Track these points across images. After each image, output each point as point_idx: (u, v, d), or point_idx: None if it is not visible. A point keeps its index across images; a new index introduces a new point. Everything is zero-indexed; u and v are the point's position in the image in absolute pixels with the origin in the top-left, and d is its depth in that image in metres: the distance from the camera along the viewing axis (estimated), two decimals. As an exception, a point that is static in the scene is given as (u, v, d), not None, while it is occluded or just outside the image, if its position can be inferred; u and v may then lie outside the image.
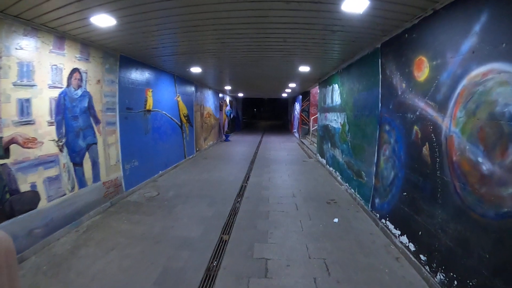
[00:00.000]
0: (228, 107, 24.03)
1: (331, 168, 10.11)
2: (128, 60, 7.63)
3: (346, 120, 8.27)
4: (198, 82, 14.01)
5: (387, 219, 5.35)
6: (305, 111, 20.38)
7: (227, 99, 23.81)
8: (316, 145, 14.54)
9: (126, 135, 7.65)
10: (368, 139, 6.46)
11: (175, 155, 11.27)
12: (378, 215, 5.81)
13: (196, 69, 9.68)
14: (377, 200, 5.92)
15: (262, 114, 59.61)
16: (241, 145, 18.20)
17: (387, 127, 5.49)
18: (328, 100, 10.62)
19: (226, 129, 22.58)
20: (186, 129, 12.60)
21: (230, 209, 6.65)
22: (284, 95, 24.09)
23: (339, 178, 8.96)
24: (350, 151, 7.86)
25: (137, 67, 8.20)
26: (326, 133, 10.94)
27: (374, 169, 6.03)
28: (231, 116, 25.86)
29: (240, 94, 24.49)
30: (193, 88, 13.51)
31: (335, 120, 9.48)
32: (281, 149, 16.53)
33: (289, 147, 17.26)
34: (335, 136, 9.53)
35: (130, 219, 6.10)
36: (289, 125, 31.30)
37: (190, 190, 8.21)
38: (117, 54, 7.11)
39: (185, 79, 12.19)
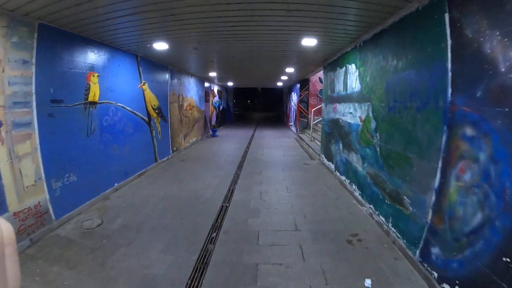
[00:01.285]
0: (216, 98, 21.51)
1: (343, 177, 7.74)
2: (54, 32, 5.25)
3: (371, 114, 5.83)
4: (175, 67, 11.51)
5: (457, 286, 3.09)
6: (303, 101, 17.96)
7: (215, 88, 21.31)
8: (319, 143, 12.18)
9: (52, 140, 5.29)
10: (419, 147, 4.01)
11: (140, 160, 8.83)
12: (436, 274, 3.51)
13: (161, 45, 7.21)
14: (435, 250, 3.57)
15: (256, 105, 58.12)
16: (230, 142, 15.80)
17: (470, 131, 3.06)
18: (339, 87, 8.19)
19: (214, 122, 20.07)
20: (158, 125, 10.14)
21: (196, 260, 4.19)
22: (279, 84, 21.61)
23: (357, 193, 6.58)
24: (378, 159, 5.44)
25: (73, 42, 5.79)
26: (335, 130, 8.53)
27: (434, 198, 3.62)
28: (220, 108, 23.36)
29: (230, 83, 21.95)
30: (167, 75, 11.03)
31: (351, 114, 7.07)
32: (277, 146, 14.16)
33: (286, 144, 14.89)
34: (350, 135, 7.12)
35: (45, 274, 3.85)
36: (285, 117, 28.81)
37: (146, 216, 5.76)
38: (33, 22, 4.73)
39: (154, 61, 9.71)
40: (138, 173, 8.69)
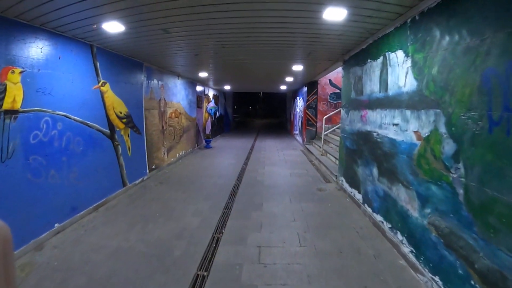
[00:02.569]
0: (211, 104, 19.23)
1: (378, 217, 5.43)
2: None
3: (444, 130, 3.47)
4: (153, 64, 9.27)
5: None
6: (311, 107, 15.72)
7: (211, 93, 19.04)
8: (334, 159, 10.02)
9: None
10: None
11: (96, 187, 6.53)
12: None
13: (115, 27, 4.99)
14: None
15: (257, 112, 57.08)
16: (225, 155, 13.46)
17: None
18: (371, 87, 5.88)
19: (208, 132, 17.78)
20: (126, 139, 7.86)
21: None
22: (283, 87, 19.30)
23: (406, 249, 4.26)
24: (461, 208, 3.10)
25: None
26: (365, 147, 6.25)
27: None
28: (217, 114, 21.11)
29: (227, 87, 19.62)
30: (142, 74, 8.80)
31: (396, 126, 4.75)
32: (281, 162, 11.83)
33: (292, 159, 12.55)
34: (395, 159, 4.80)
35: None
36: (288, 125, 26.58)
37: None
38: None
39: (121, 55, 7.48)
40: (95, 205, 6.41)
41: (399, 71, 4.66)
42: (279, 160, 12.13)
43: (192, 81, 14.20)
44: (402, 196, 4.53)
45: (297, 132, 20.01)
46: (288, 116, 27.87)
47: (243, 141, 19.04)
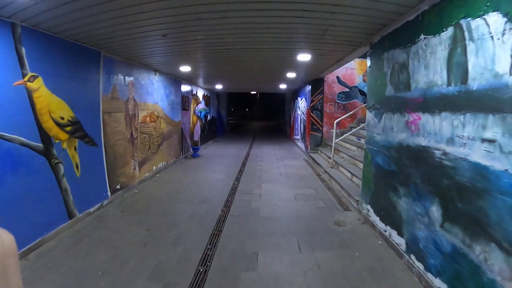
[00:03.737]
0: (201, 105, 17.24)
1: (439, 282, 3.49)
2: None
3: None
4: (116, 53, 7.28)
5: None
6: (316, 109, 13.77)
7: (200, 93, 17.08)
8: (352, 176, 8.19)
9: None
10: None
11: (26, 225, 4.63)
12: None
13: None
14: None
15: (254, 114, 55.99)
16: (214, 167, 11.44)
17: None
18: (429, 77, 3.86)
19: (196, 138, 15.84)
20: (72, 154, 5.88)
21: None
22: (283, 86, 17.18)
23: None
24: None
25: None
26: (415, 172, 4.33)
27: None
28: (208, 117, 19.17)
29: (219, 86, 17.52)
30: (99, 66, 6.86)
31: (490, 144, 2.76)
32: (282, 176, 9.86)
33: (295, 171, 10.60)
34: (483, 200, 2.82)
35: None
36: (288, 128, 24.66)
37: None
38: None
39: (64, 38, 5.52)
40: (23, 249, 4.53)
41: (496, 47, 2.73)
42: (279, 174, 10.18)
43: (176, 79, 12.25)
44: (496, 265, 2.64)
45: (298, 137, 18.06)
46: (287, 119, 25.90)
47: (238, 148, 17.09)
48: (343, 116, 11.35)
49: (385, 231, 5.27)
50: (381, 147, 5.53)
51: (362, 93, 13.82)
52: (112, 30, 5.33)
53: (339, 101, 13.74)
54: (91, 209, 6.55)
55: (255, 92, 49.61)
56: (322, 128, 13.71)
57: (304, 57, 7.64)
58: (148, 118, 9.54)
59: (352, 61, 12.57)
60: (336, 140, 10.30)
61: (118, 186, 7.71)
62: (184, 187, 8.59)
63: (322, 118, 13.69)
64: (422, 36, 4.08)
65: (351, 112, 11.63)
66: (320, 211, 6.62)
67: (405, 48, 4.59)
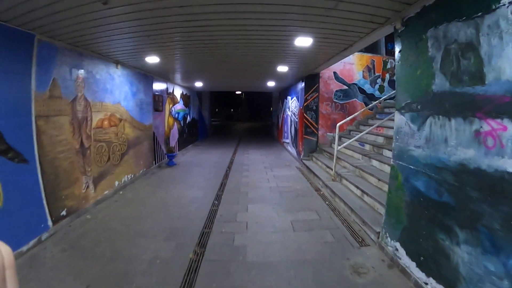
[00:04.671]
0: (179, 105, 15.43)
1: None
2: None
3: None
4: (61, 37, 5.53)
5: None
6: (310, 109, 12.20)
7: (177, 92, 15.27)
8: (362, 193, 6.61)
9: None
10: None
11: None
12: None
13: None
14: None
15: (239, 114, 55.73)
16: (190, 181, 9.63)
17: None
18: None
19: (173, 143, 14.05)
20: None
21: None
22: (271, 84, 15.39)
23: None
24: None
25: None
26: (491, 211, 2.80)
27: None
28: (187, 119, 17.40)
29: (198, 84, 15.58)
30: (31, 54, 5.11)
31: None
32: (273, 194, 8.13)
33: (288, 187, 8.84)
34: None
35: None
36: (275, 130, 23.04)
37: None
38: None
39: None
40: None
41: None
42: (270, 189, 8.49)
43: (146, 74, 10.49)
44: None
45: (288, 141, 16.43)
46: (274, 120, 24.24)
47: (220, 153, 15.29)
48: (348, 118, 9.66)
49: (427, 283, 3.71)
50: (423, 167, 3.96)
51: (362, 91, 12.36)
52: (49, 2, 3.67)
53: (336, 100, 12.17)
54: (24, 248, 4.84)
55: (240, 93, 48.99)
56: (317, 132, 12.14)
57: (303, 41, 5.94)
58: (106, 122, 7.75)
59: (351, 55, 11.11)
60: (339, 147, 8.67)
61: (63, 213, 5.94)
62: (149, 211, 6.78)
63: (317, 120, 12.11)
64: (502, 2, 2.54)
65: (357, 113, 10.07)
66: (330, 249, 4.92)
67: (472, 21, 3.06)
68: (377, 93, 12.59)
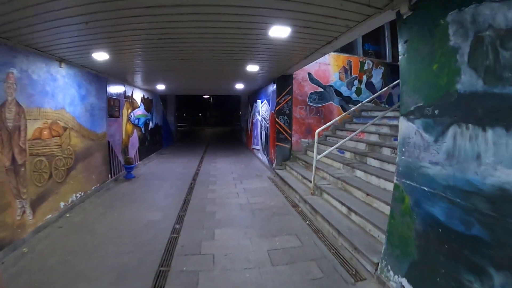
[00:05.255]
0: (140, 111, 14.10)
1: None
2: None
3: None
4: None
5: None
6: (283, 114, 11.31)
7: (138, 95, 13.96)
8: (348, 211, 5.66)
9: None
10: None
11: None
12: None
13: None
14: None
15: (208, 119, 55.74)
16: (148, 198, 8.39)
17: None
18: None
19: (132, 153, 12.77)
20: None
21: None
22: (239, 86, 14.33)
23: None
24: None
25: None
26: None
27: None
28: (149, 125, 16.08)
29: (161, 87, 14.34)
30: None
31: None
32: (244, 213, 7.06)
33: (262, 203, 7.82)
34: None
35: None
36: (244, 135, 22.18)
37: None
38: None
39: None
40: None
41: None
42: (240, 207, 7.47)
43: (98, 75, 9.26)
44: None
45: (258, 147, 15.52)
46: (243, 125, 23.37)
47: (186, 162, 14.12)
48: (329, 123, 8.59)
49: None
50: (443, 189, 3.14)
51: (338, 93, 11.67)
52: None
53: (311, 104, 11.39)
54: None
55: (208, 97, 48.06)
56: (291, 138, 11.29)
57: (279, 31, 4.98)
58: (46, 132, 6.53)
59: (327, 55, 10.36)
60: (319, 156, 7.78)
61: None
62: (96, 242, 5.57)
63: (291, 125, 11.28)
64: None
65: (339, 117, 9.18)
66: (319, 290, 4.05)
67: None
68: (354, 96, 11.98)
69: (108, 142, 10.11)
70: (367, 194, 6.10)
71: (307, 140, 11.52)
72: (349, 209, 5.95)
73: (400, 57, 3.92)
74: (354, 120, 11.04)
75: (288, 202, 7.87)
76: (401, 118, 3.86)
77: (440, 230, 3.19)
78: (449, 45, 3.08)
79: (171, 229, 6.11)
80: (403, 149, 3.82)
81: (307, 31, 5.07)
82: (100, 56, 6.66)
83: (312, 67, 10.98)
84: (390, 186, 6.07)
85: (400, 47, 3.88)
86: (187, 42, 5.78)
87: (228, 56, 7.13)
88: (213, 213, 7.04)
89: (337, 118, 8.91)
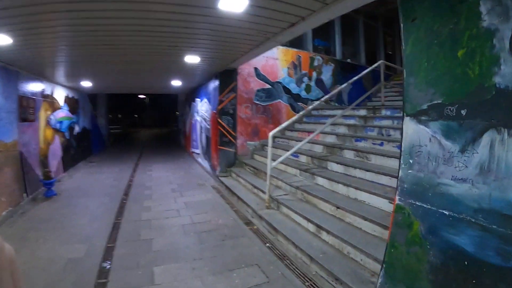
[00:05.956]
0: (62, 112, 12.00)
1: None
2: None
3: None
4: None
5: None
6: (226, 113, 10.16)
7: (60, 94, 11.98)
8: (317, 228, 4.66)
9: None
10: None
11: None
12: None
13: None
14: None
15: (144, 120, 53.45)
16: (69, 225, 6.61)
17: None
18: None
19: (54, 166, 10.87)
20: None
21: None
22: (176, 83, 12.94)
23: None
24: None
25: None
26: None
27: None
28: (75, 130, 13.99)
29: (86, 84, 12.38)
30: None
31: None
32: (187, 238, 5.74)
33: (208, 222, 6.55)
34: None
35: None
36: (182, 137, 20.75)
37: None
38: None
39: None
40: None
41: None
42: (183, 230, 6.14)
43: (7, 67, 7.48)
44: None
45: (198, 151, 14.19)
46: (181, 126, 21.78)
47: (118, 172, 12.44)
48: (286, 123, 7.46)
49: None
50: (473, 213, 2.54)
51: (287, 91, 10.83)
52: None
53: (258, 102, 10.42)
54: None
55: (143, 96, 45.99)
56: (236, 141, 10.22)
57: (232, 4, 3.91)
58: None
59: (275, 48, 9.56)
60: (274, 163, 6.69)
61: None
62: None
63: (235, 126, 10.20)
64: None
65: (297, 116, 7.80)
66: None
67: None
68: (303, 93, 11.28)
69: (21, 153, 8.28)
70: (337, 207, 5.19)
71: (253, 142, 10.52)
72: (318, 226, 4.98)
73: (403, 40, 3.07)
74: (305, 119, 10.24)
75: (239, 218, 6.71)
76: (407, 119, 3.03)
77: (466, 262, 2.55)
78: (481, 26, 2.45)
79: (97, 270, 4.63)
80: (410, 161, 2.98)
81: (270, 5, 4.00)
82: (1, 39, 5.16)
83: (259, 61, 10.04)
84: (362, 196, 5.28)
85: (403, 29, 3.07)
86: (107, 18, 4.45)
87: (161, 40, 5.79)
88: (150, 241, 5.63)
89: (295, 117, 7.68)
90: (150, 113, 52.27)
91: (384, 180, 5.32)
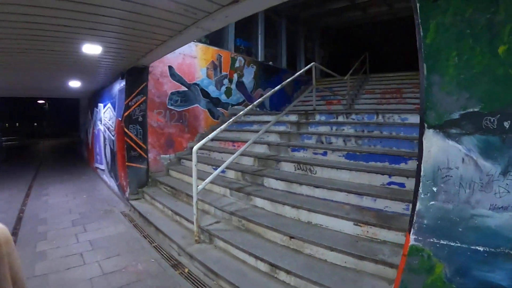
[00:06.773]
0: None
1: None
2: None
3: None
4: None
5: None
6: (134, 121, 8.47)
7: None
8: (262, 266, 3.55)
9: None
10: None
11: None
12: None
13: None
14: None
15: (45, 129, 49.35)
16: None
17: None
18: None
19: None
20: None
21: None
22: (75, 84, 10.94)
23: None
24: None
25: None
26: None
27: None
28: None
29: None
30: None
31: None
32: None
33: (122, 269, 4.89)
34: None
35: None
36: (85, 150, 18.17)
37: None
38: None
39: None
40: None
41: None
42: (91, 286, 4.49)
43: None
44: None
45: (103, 167, 12.17)
46: (83, 137, 19.03)
47: (6, 198, 9.77)
48: (213, 134, 5.75)
49: None
50: None
51: (206, 94, 9.69)
52: None
53: (172, 107, 9.07)
54: None
55: (43, 101, 41.73)
56: (147, 155, 8.70)
57: None
58: None
59: (193, 44, 8.82)
60: (201, 186, 5.31)
61: None
62: None
63: (146, 137, 8.67)
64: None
65: (224, 125, 6.06)
66: None
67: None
68: (223, 97, 10.35)
69: None
70: (291, 237, 4.12)
71: (168, 156, 9.17)
72: (272, 265, 3.84)
73: (420, 25, 2.55)
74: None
75: (164, 259, 5.18)
76: (430, 132, 2.45)
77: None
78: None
79: None
80: (434, 189, 2.51)
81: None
82: None
83: (175, 59, 8.80)
84: (317, 219, 4.34)
85: (420, 8, 2.54)
86: None
87: (49, 19, 4.25)
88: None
89: (224, 125, 6.06)
90: (51, 121, 48.22)
91: (340, 197, 4.55)
